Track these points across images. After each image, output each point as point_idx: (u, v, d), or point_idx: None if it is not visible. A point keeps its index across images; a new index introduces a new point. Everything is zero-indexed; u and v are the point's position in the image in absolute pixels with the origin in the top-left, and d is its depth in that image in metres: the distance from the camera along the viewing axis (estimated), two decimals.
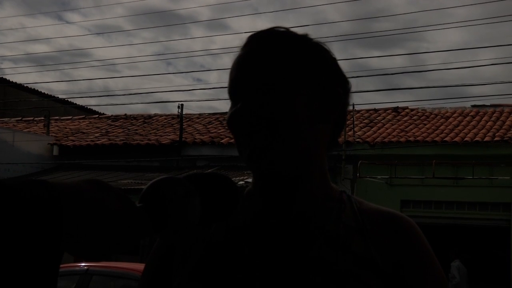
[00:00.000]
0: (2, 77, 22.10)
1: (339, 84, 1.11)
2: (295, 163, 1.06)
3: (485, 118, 14.77)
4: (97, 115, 21.33)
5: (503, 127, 13.66)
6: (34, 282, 0.63)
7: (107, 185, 0.73)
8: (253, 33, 1.11)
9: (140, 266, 6.14)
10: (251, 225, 1.07)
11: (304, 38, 1.11)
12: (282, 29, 1.11)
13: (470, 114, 15.32)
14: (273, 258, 1.03)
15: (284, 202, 1.07)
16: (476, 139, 12.89)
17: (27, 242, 0.62)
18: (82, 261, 6.74)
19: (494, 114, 15.03)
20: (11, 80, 22.13)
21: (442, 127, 14.33)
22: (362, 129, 14.64)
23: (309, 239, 1.04)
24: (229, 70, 1.10)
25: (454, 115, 15.46)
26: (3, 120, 19.78)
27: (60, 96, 25.23)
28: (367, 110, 16.70)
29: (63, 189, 0.67)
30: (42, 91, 22.93)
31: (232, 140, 14.63)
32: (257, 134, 1.02)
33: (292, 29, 1.12)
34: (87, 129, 18.15)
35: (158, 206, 0.78)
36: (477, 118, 14.89)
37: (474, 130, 13.62)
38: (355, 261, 1.01)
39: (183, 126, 15.69)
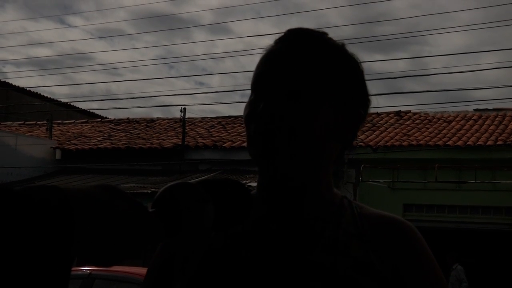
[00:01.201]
0: (4, 81, 22.16)
1: (361, 104, 1.10)
2: (304, 171, 1.05)
3: (488, 122, 14.75)
4: (99, 119, 21.35)
5: (506, 131, 13.64)
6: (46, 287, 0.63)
7: (119, 190, 0.73)
8: (292, 29, 1.09)
9: (143, 270, 6.13)
10: (250, 231, 1.06)
11: (342, 49, 1.09)
12: (321, 33, 1.09)
13: (472, 118, 15.30)
14: (272, 264, 1.02)
15: (290, 208, 1.07)
16: (478, 143, 12.88)
17: (37, 248, 0.62)
18: (84, 265, 6.74)
19: (497, 118, 15.01)
20: (13, 84, 22.18)
21: (444, 131, 14.31)
22: (365, 133, 14.62)
23: (309, 244, 1.03)
24: (259, 61, 1.08)
25: (457, 119, 15.45)
26: (5, 124, 19.81)
27: (63, 100, 25.25)
28: (370, 114, 16.63)
29: (74, 194, 0.67)
30: (45, 95, 22.97)
31: (234, 144, 14.62)
32: (272, 138, 1.01)
33: (330, 36, 1.10)
34: (89, 133, 18.17)
35: (171, 211, 0.77)
36: (480, 122, 14.87)
37: (477, 134, 13.60)
38: (354, 267, 1.01)
39: (186, 130, 15.69)
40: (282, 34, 1.09)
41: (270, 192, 1.08)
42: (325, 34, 1.10)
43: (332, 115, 1.04)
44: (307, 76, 1.03)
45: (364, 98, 1.11)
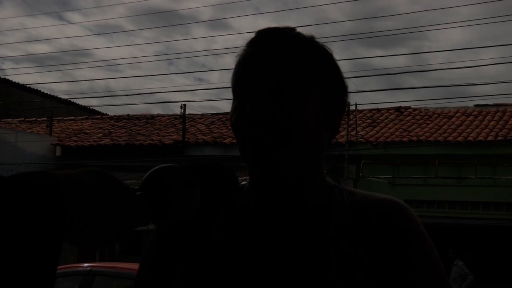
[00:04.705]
0: (5, 78, 22.15)
1: (342, 91, 1.10)
2: (300, 167, 1.05)
3: (488, 117, 14.75)
4: (99, 116, 21.35)
5: (506, 127, 13.63)
6: (36, 274, 0.63)
7: (107, 174, 0.73)
8: (262, 30, 1.09)
9: None
10: (246, 227, 1.07)
11: (312, 40, 1.10)
12: (289, 29, 1.09)
13: (473, 114, 15.30)
14: (267, 260, 1.03)
15: (286, 204, 1.07)
16: (479, 138, 12.88)
17: (30, 233, 0.62)
18: (85, 261, 6.74)
19: (497, 114, 15.01)
20: (13, 80, 22.17)
21: (445, 126, 14.31)
22: (365, 129, 14.62)
23: (303, 240, 1.03)
24: (235, 65, 1.07)
25: (457, 114, 15.45)
26: (6, 121, 19.81)
27: (62, 97, 25.27)
28: (370, 110, 16.69)
29: (64, 178, 0.67)
30: (44, 92, 22.97)
31: (234, 140, 14.59)
32: (266, 138, 1.01)
33: (298, 29, 1.10)
34: (89, 130, 18.17)
35: (159, 195, 0.77)
36: (480, 117, 14.87)
37: (477, 130, 13.60)
38: (346, 262, 1.01)
39: (186, 126, 15.69)
40: (252, 36, 1.08)
41: (265, 188, 1.08)
42: (293, 29, 1.10)
43: (318, 104, 1.05)
44: (287, 71, 1.03)
45: (342, 84, 1.12)
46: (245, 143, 1.03)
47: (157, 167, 0.80)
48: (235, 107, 1.06)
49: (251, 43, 1.07)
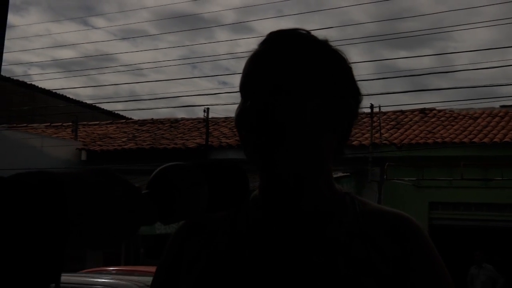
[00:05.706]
0: (30, 83, 22.45)
1: (351, 95, 1.10)
2: (299, 168, 1.05)
3: None
4: (124, 120, 21.51)
5: None
6: (40, 275, 0.62)
7: (112, 173, 0.73)
8: (274, 31, 1.11)
9: None
10: (253, 232, 1.07)
11: (324, 43, 1.10)
12: (303, 32, 1.11)
13: (499, 115, 15.10)
14: (275, 265, 1.02)
15: (289, 206, 1.07)
16: (505, 140, 12.71)
17: (31, 231, 0.61)
18: (111, 265, 6.78)
19: None
20: (39, 86, 22.46)
21: (470, 128, 14.15)
22: (389, 131, 14.52)
23: (310, 244, 1.03)
24: (244, 65, 1.09)
25: (483, 115, 15.26)
26: (32, 126, 20.06)
27: (87, 101, 25.53)
28: (394, 112, 16.57)
29: (66, 178, 0.67)
30: (70, 97, 23.24)
31: None
32: (263, 135, 1.02)
33: (313, 33, 1.11)
34: (114, 134, 18.32)
35: (165, 193, 0.76)
36: (506, 118, 14.67)
37: (503, 131, 13.42)
38: (355, 266, 1.00)
39: (209, 130, 15.74)
40: (265, 36, 1.10)
41: (269, 192, 1.09)
42: (305, 32, 1.11)
43: (321, 106, 1.04)
44: (291, 71, 1.04)
45: (353, 89, 1.11)
46: (246, 139, 1.05)
47: (164, 165, 0.80)
48: (239, 105, 1.08)
49: (262, 43, 1.10)
